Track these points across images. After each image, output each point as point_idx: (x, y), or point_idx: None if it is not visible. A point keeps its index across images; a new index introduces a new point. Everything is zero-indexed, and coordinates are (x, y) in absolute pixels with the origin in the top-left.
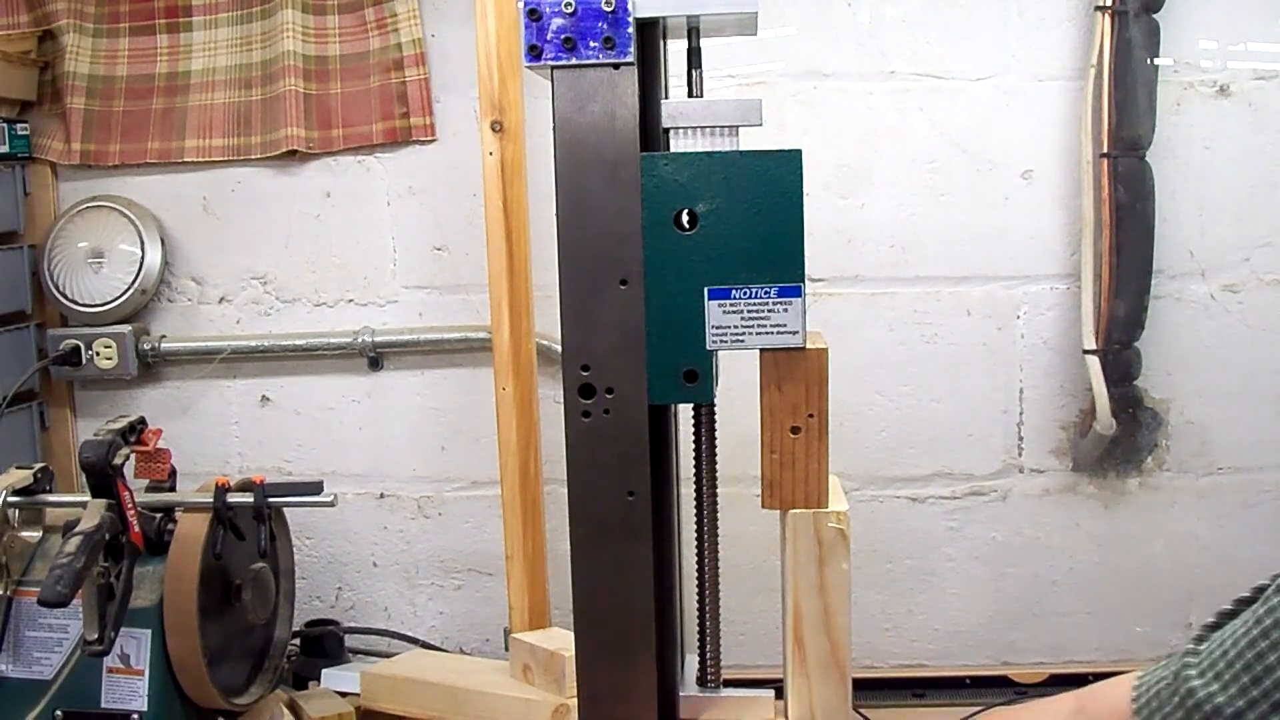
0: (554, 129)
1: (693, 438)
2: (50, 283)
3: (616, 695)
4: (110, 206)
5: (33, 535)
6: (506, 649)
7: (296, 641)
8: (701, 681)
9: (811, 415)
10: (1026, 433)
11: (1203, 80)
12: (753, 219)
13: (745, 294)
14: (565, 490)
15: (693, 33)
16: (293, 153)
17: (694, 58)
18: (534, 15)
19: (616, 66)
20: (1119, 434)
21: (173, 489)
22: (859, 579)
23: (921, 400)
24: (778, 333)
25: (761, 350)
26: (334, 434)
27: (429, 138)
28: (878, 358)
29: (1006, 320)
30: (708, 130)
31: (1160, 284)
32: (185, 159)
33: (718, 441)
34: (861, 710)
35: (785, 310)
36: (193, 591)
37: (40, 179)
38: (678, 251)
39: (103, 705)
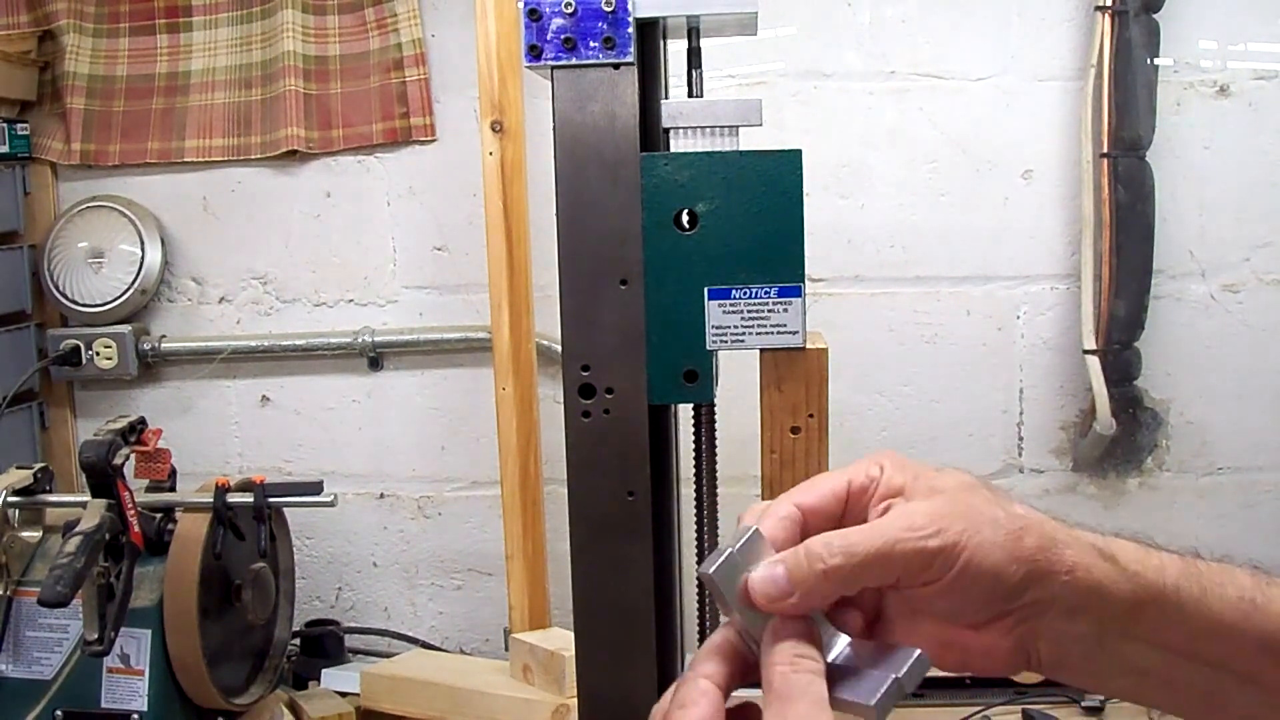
0: (554, 129)
1: (693, 438)
2: (50, 283)
3: (616, 695)
4: (110, 206)
5: (33, 535)
6: (506, 649)
7: (296, 641)
8: None
9: (811, 415)
10: (1026, 433)
11: (1203, 80)
12: (753, 219)
13: (745, 294)
14: (565, 490)
15: (693, 33)
16: (293, 153)
17: (694, 58)
18: (534, 15)
19: (616, 66)
20: (1119, 434)
21: (173, 489)
22: None
23: (921, 400)
24: (778, 333)
25: (761, 350)
26: (334, 434)
27: (429, 138)
28: (878, 358)
29: (1006, 320)
30: (708, 130)
31: (1160, 284)
32: (185, 159)
33: (718, 441)
34: None
35: (785, 310)
36: (193, 591)
37: (40, 179)
38: (678, 251)
39: (103, 705)
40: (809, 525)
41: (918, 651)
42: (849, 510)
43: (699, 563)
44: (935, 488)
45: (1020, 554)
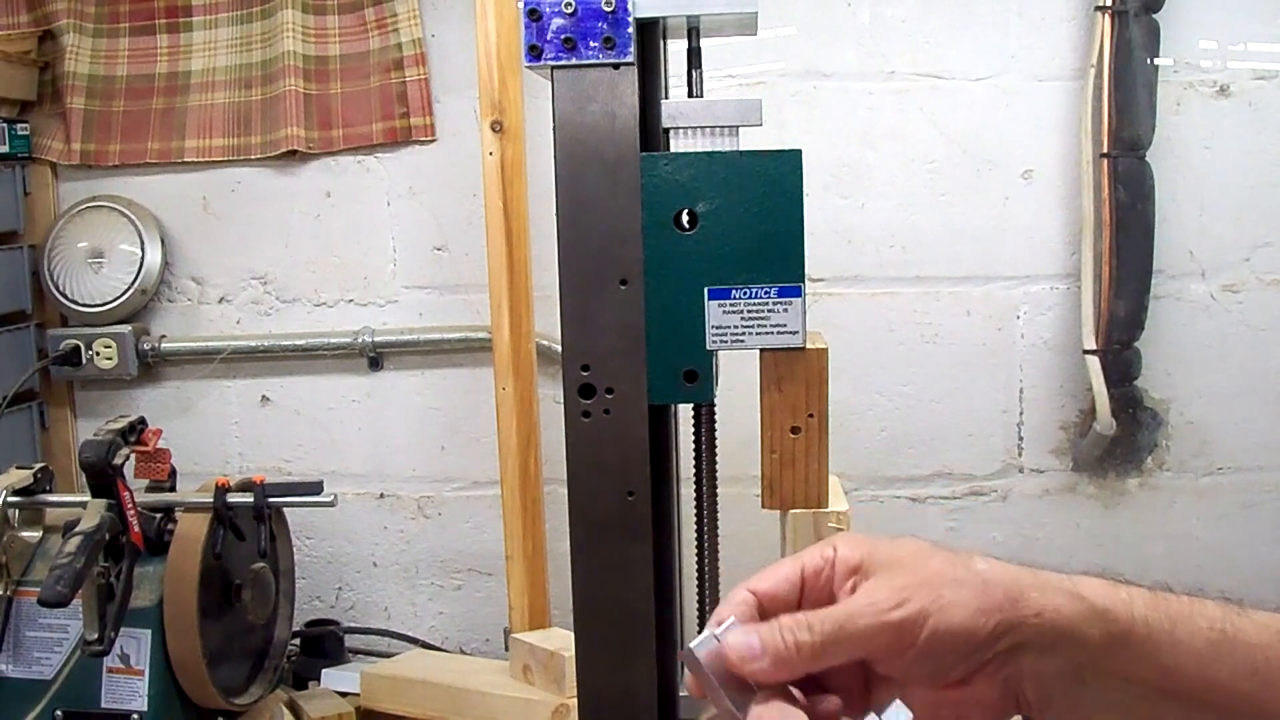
0: (554, 129)
1: (693, 438)
2: (50, 283)
3: (616, 695)
4: (110, 206)
5: (33, 535)
6: (506, 649)
7: (296, 641)
8: None
9: (811, 415)
10: (1026, 433)
11: (1203, 80)
12: (753, 219)
13: (745, 294)
14: (565, 490)
15: (693, 33)
16: (293, 153)
17: (694, 58)
18: (534, 15)
19: (616, 66)
20: (1119, 434)
21: (173, 489)
22: None
23: (921, 400)
24: (778, 333)
25: (761, 350)
26: (334, 434)
27: (429, 138)
28: (878, 358)
29: (1006, 320)
30: (708, 130)
31: (1160, 284)
32: (185, 159)
33: (718, 441)
34: None
35: (785, 310)
36: (193, 591)
37: (40, 179)
38: (678, 251)
39: (103, 705)
40: (765, 609)
41: (896, 700)
42: (807, 594)
43: (699, 563)
44: (895, 560)
45: (988, 606)
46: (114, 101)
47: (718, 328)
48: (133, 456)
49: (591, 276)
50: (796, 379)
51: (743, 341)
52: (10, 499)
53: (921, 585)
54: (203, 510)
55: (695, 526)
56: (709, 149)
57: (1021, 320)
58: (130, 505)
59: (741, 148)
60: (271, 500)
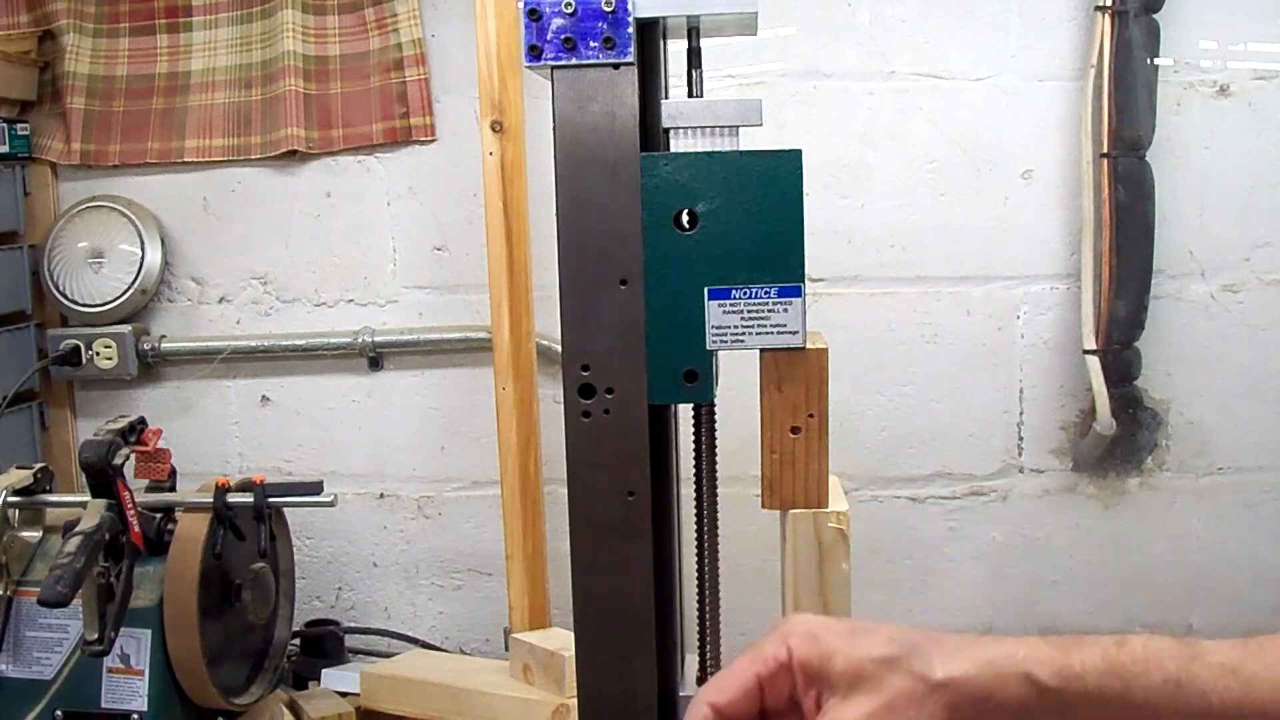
0: (554, 129)
1: (693, 438)
2: (50, 283)
3: (616, 695)
4: (110, 206)
5: (33, 535)
6: (506, 649)
7: (296, 641)
8: (701, 681)
9: (811, 415)
10: (1026, 433)
11: (1203, 80)
12: (753, 219)
13: (745, 294)
14: (565, 490)
15: (693, 33)
16: (293, 153)
17: (694, 58)
18: (534, 15)
19: (616, 66)
20: (1119, 434)
21: (173, 489)
22: (859, 579)
23: (921, 400)
24: (778, 333)
25: (761, 350)
26: (334, 434)
27: (429, 138)
28: (878, 358)
29: (1006, 320)
30: (708, 130)
31: (1160, 284)
32: (185, 159)
33: (718, 441)
34: None
35: (785, 310)
36: (193, 591)
37: (40, 179)
38: (678, 251)
39: (103, 705)
40: None
41: None
42: (767, 701)
43: (699, 563)
44: (855, 674)
45: (953, 716)
46: (114, 101)
47: (718, 328)
48: (133, 456)
49: (591, 276)
50: (796, 379)
51: (743, 341)
52: (10, 499)
53: (888, 712)
54: (203, 510)
55: (695, 526)
56: (709, 149)
57: (1021, 320)
58: (130, 505)
59: (741, 148)
60: (271, 500)
